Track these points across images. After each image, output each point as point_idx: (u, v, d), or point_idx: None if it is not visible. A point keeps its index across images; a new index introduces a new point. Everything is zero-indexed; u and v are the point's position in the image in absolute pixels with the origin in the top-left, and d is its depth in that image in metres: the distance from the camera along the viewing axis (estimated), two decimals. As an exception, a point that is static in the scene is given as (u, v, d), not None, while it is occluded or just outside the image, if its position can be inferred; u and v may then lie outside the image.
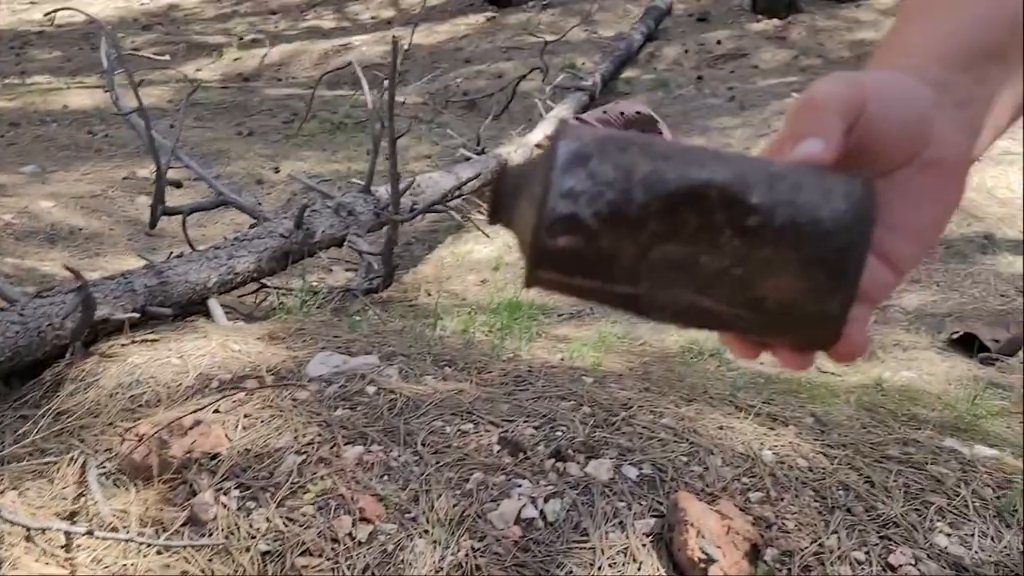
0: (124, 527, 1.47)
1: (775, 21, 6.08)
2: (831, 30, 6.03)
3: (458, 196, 3.70)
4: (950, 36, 0.37)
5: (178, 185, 4.09)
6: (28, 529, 1.45)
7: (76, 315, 1.93)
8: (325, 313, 2.43)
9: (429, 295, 3.06)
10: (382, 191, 3.03)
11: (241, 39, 6.53)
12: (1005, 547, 1.48)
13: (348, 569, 1.34)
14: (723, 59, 5.66)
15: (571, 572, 1.34)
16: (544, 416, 1.66)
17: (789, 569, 1.39)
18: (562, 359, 2.30)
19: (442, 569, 1.33)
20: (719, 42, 5.90)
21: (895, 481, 1.62)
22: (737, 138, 4.54)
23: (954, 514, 1.55)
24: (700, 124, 4.81)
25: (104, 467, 1.60)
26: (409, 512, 1.43)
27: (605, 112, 4.11)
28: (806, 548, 1.42)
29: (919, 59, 0.37)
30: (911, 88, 0.36)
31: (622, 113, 4.08)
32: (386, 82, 4.71)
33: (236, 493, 1.50)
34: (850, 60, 5.45)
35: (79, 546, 1.44)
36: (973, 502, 1.58)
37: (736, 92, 5.17)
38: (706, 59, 5.72)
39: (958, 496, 1.59)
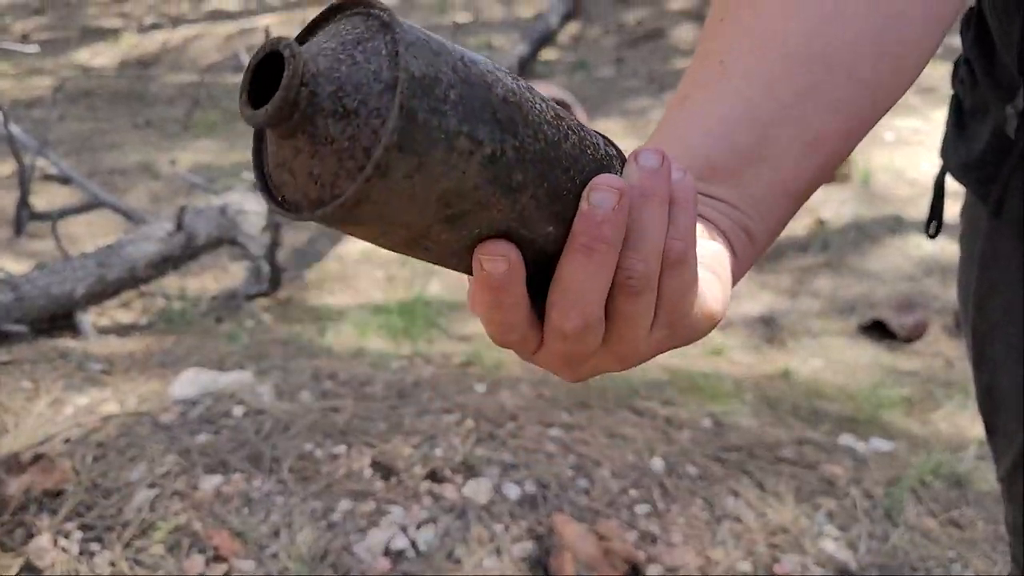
0: (-51, 581, 1.33)
1: (693, -1, 6.05)
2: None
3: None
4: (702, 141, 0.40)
5: (65, 181, 3.85)
6: None
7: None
8: (208, 321, 2.28)
9: (332, 295, 2.92)
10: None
11: (140, 23, 6.19)
12: (891, 548, 1.45)
13: (197, 618, 1.23)
14: (642, 39, 5.61)
15: (441, 607, 1.25)
16: (424, 433, 1.57)
17: (673, 586, 1.33)
18: (460, 363, 2.20)
19: (301, 612, 1.23)
20: (639, 23, 5.84)
21: (787, 485, 1.58)
22: (655, 120, 4.50)
23: (843, 516, 1.51)
24: (619, 106, 4.75)
25: (-67, 512, 1.44)
26: (268, 548, 1.32)
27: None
28: (690, 562, 1.37)
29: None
30: None
31: (535, 98, 3.98)
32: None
33: (78, 535, 1.36)
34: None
35: None
36: (863, 503, 1.55)
37: (655, 73, 5.12)
38: (626, 39, 5.66)
39: (848, 497, 1.56)
